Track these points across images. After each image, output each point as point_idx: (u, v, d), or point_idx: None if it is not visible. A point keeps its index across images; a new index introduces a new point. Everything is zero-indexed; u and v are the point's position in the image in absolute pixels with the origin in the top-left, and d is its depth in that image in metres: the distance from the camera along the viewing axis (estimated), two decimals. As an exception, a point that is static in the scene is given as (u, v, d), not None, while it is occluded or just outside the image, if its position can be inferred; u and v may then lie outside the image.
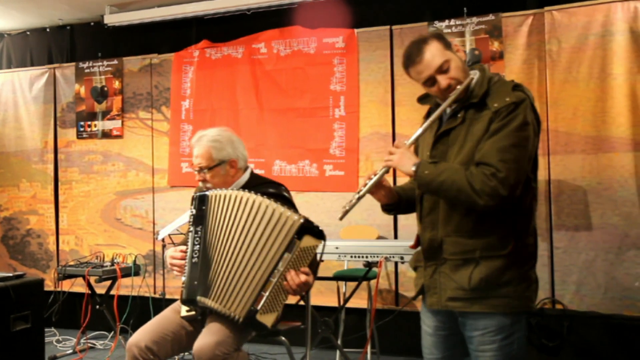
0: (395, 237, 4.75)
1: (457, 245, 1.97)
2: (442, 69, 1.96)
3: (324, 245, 2.39)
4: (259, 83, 5.21)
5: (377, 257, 3.69)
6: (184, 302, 2.53)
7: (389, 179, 2.24)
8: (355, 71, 4.92)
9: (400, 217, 4.75)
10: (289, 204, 2.62)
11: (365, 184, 2.10)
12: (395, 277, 4.76)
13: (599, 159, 4.19)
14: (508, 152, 1.87)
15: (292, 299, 3.75)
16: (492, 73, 2.09)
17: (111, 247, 5.54)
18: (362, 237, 4.68)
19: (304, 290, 2.38)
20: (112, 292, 4.74)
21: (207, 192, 2.51)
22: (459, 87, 1.96)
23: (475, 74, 2.02)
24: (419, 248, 2.17)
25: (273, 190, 2.64)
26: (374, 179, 2.08)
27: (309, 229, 2.36)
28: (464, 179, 1.89)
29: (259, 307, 2.37)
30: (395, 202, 2.22)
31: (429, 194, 2.04)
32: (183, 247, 2.59)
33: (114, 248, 5.51)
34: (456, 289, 1.98)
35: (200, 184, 2.72)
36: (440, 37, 2.01)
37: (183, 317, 2.61)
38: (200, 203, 2.49)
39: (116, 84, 5.71)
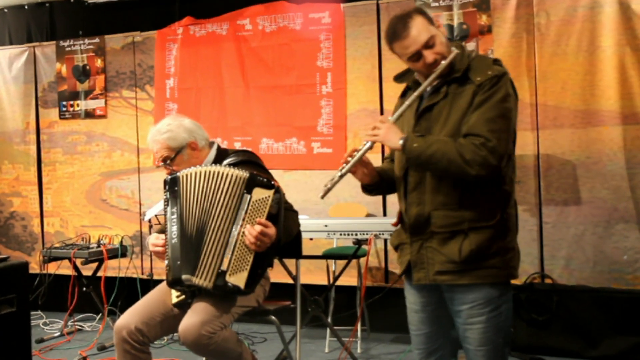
0: (385, 214, 4.74)
1: (446, 218, 1.99)
2: (428, 44, 1.98)
3: (276, 195, 2.43)
4: (244, 60, 5.15)
5: (367, 234, 3.69)
6: (170, 284, 2.51)
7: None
8: (342, 47, 4.86)
9: (389, 195, 4.73)
10: (258, 167, 2.66)
11: (348, 161, 2.08)
12: (385, 255, 4.76)
13: (588, 133, 4.18)
14: (495, 123, 1.91)
15: (282, 278, 3.76)
16: (470, 49, 2.12)
17: (97, 229, 5.49)
18: (351, 215, 4.67)
19: (265, 242, 2.40)
20: (99, 274, 4.70)
21: (177, 173, 2.54)
22: (443, 62, 1.99)
23: (454, 50, 2.04)
24: (399, 226, 2.18)
25: (240, 157, 2.67)
26: (357, 155, 2.07)
27: (256, 181, 2.43)
28: (454, 150, 1.91)
29: (226, 269, 2.39)
30: (377, 182, 2.22)
31: (418, 167, 2.03)
32: (162, 236, 2.58)
33: (100, 229, 5.46)
34: (445, 262, 1.99)
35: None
36: (423, 12, 2.03)
37: (174, 305, 2.59)
38: (173, 184, 2.52)
39: (98, 63, 5.61)
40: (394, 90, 4.67)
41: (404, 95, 2.22)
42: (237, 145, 5.14)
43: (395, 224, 2.20)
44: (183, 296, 2.58)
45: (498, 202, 1.99)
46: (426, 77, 2.02)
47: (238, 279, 2.41)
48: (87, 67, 5.65)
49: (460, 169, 1.91)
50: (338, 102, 4.88)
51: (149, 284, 4.62)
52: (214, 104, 5.26)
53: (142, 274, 5.31)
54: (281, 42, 5.03)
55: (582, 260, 4.20)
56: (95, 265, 4.73)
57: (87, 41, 5.64)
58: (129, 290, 5.14)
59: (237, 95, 5.18)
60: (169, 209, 2.50)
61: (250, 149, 2.82)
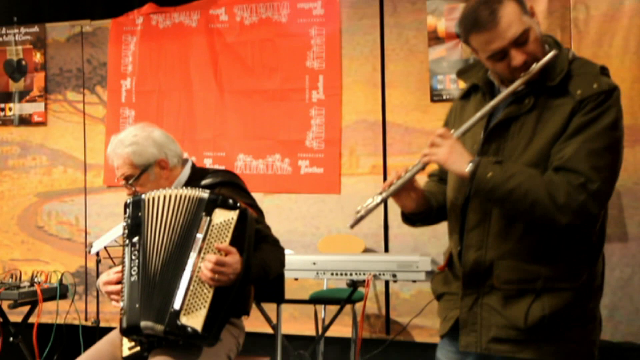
0: (386, 249, 4.74)
1: (514, 272, 1.89)
2: (519, 41, 1.85)
3: (240, 216, 2.41)
4: (218, 58, 5.16)
5: (364, 274, 3.67)
6: (125, 332, 2.47)
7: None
8: (337, 45, 4.88)
9: (392, 225, 4.75)
10: (240, 190, 2.68)
11: (392, 183, 2.01)
12: (386, 300, 4.75)
13: (636, 153, 4.21)
14: (602, 158, 1.80)
15: (259, 326, 3.73)
16: (566, 48, 1.96)
17: (30, 263, 5.45)
18: (345, 250, 4.67)
19: (225, 273, 2.36)
20: (31, 320, 4.63)
21: (142, 196, 2.53)
22: (535, 65, 1.86)
23: (551, 51, 1.89)
24: (446, 270, 2.09)
25: (219, 178, 2.69)
26: (405, 176, 1.98)
27: (216, 201, 2.42)
28: (542, 188, 1.80)
29: (179, 308, 2.35)
30: (425, 210, 2.13)
31: (490, 203, 1.92)
32: (117, 269, 2.57)
33: (34, 264, 5.41)
34: (505, 328, 1.90)
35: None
36: None
37: (125, 359, 2.56)
38: (135, 209, 2.50)
39: (37, 57, 5.60)
40: (399, 98, 4.72)
41: (467, 96, 2.12)
42: (208, 163, 5.13)
43: (441, 268, 2.11)
44: (137, 348, 2.56)
45: (586, 257, 1.90)
46: (508, 80, 1.92)
47: (193, 320, 2.36)
48: (23, 63, 5.63)
49: (547, 214, 1.80)
50: (331, 111, 4.89)
51: (94, 333, 4.56)
52: (179, 111, 5.26)
53: (86, 320, 5.25)
54: (263, 38, 5.04)
55: (630, 310, 4.20)
56: (26, 309, 4.66)
57: (23, 30, 5.63)
58: (68, 341, 5.07)
59: (209, 100, 5.18)
60: (128, 239, 2.48)
61: (229, 171, 2.83)
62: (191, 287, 2.39)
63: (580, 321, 1.91)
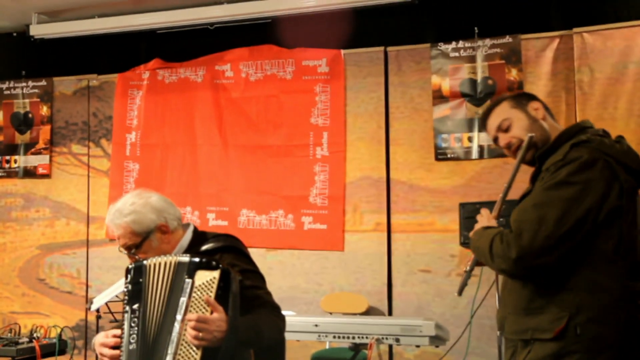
0: (390, 308, 4.68)
1: (513, 325, 2.11)
2: (502, 128, 2.25)
3: (222, 275, 2.41)
4: (223, 113, 5.18)
5: (367, 337, 3.62)
6: (122, 399, 2.43)
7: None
8: (342, 102, 4.90)
9: (396, 284, 4.71)
10: (241, 255, 2.66)
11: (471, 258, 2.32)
12: (390, 360, 4.67)
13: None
14: (528, 212, 2.01)
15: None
16: (594, 130, 2.17)
17: (30, 317, 5.40)
18: (348, 308, 4.60)
19: (208, 330, 2.32)
20: (30, 377, 4.59)
21: (144, 262, 2.51)
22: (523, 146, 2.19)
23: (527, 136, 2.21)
24: None
25: (220, 243, 2.66)
26: (469, 265, 2.29)
27: (197, 263, 2.42)
28: (488, 241, 2.08)
29: None
30: None
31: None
32: (116, 332, 2.53)
33: (34, 318, 5.37)
34: None
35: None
36: (517, 96, 2.32)
37: None
38: (137, 275, 2.49)
39: (44, 110, 5.63)
40: (403, 155, 4.71)
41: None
42: (211, 217, 5.11)
43: None
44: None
45: (568, 308, 1.98)
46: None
47: None
48: (30, 115, 5.66)
49: (488, 263, 2.09)
50: (335, 167, 4.89)
51: (92, 391, 4.51)
52: (183, 165, 5.26)
53: (85, 375, 5.19)
54: (268, 94, 5.07)
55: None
56: (25, 364, 4.62)
57: (31, 84, 5.68)
58: (66, 398, 5.01)
59: (213, 155, 5.18)
60: (128, 305, 2.45)
61: (230, 235, 2.81)
62: (178, 352, 2.36)
63: None
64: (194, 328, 2.31)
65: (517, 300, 2.09)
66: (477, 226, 2.25)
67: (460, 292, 2.32)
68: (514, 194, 2.24)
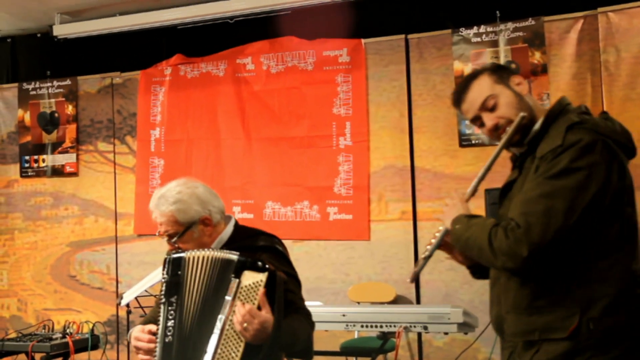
0: (417, 297, 4.66)
1: (516, 325, 1.97)
2: (487, 106, 2.04)
3: (269, 278, 2.40)
4: (245, 107, 5.18)
5: (394, 326, 3.61)
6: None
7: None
8: (364, 91, 4.88)
9: (424, 271, 4.64)
10: (282, 259, 2.61)
11: (431, 243, 2.16)
12: (419, 348, 4.65)
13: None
14: (534, 203, 1.87)
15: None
16: (574, 107, 2.03)
17: (63, 313, 5.46)
18: (376, 298, 4.60)
19: (254, 326, 2.33)
20: (64, 372, 4.63)
21: (182, 254, 2.49)
22: (509, 128, 2.00)
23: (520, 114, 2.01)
24: None
25: (259, 242, 2.62)
26: (434, 242, 2.14)
27: (245, 263, 2.40)
28: (486, 235, 1.92)
29: None
30: (475, 264, 2.21)
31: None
32: (152, 327, 2.54)
33: (67, 314, 5.43)
34: None
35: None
36: (496, 69, 2.10)
37: None
38: (175, 267, 2.47)
39: (69, 109, 5.68)
40: (427, 143, 4.68)
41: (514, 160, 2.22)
42: (237, 210, 5.12)
43: None
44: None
45: (578, 303, 1.87)
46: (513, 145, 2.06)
47: None
48: (56, 115, 5.71)
49: (488, 258, 1.93)
50: (359, 157, 4.87)
51: (125, 385, 4.54)
52: (208, 160, 5.28)
53: (118, 370, 5.23)
54: (290, 85, 5.07)
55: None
56: (59, 360, 4.66)
57: (56, 83, 5.72)
58: (100, 391, 5.05)
59: (237, 148, 5.20)
60: (165, 297, 2.45)
61: (275, 236, 2.78)
62: (219, 351, 2.37)
63: None
64: (243, 316, 2.31)
65: (516, 298, 1.95)
66: (451, 211, 2.08)
67: (412, 280, 2.21)
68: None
